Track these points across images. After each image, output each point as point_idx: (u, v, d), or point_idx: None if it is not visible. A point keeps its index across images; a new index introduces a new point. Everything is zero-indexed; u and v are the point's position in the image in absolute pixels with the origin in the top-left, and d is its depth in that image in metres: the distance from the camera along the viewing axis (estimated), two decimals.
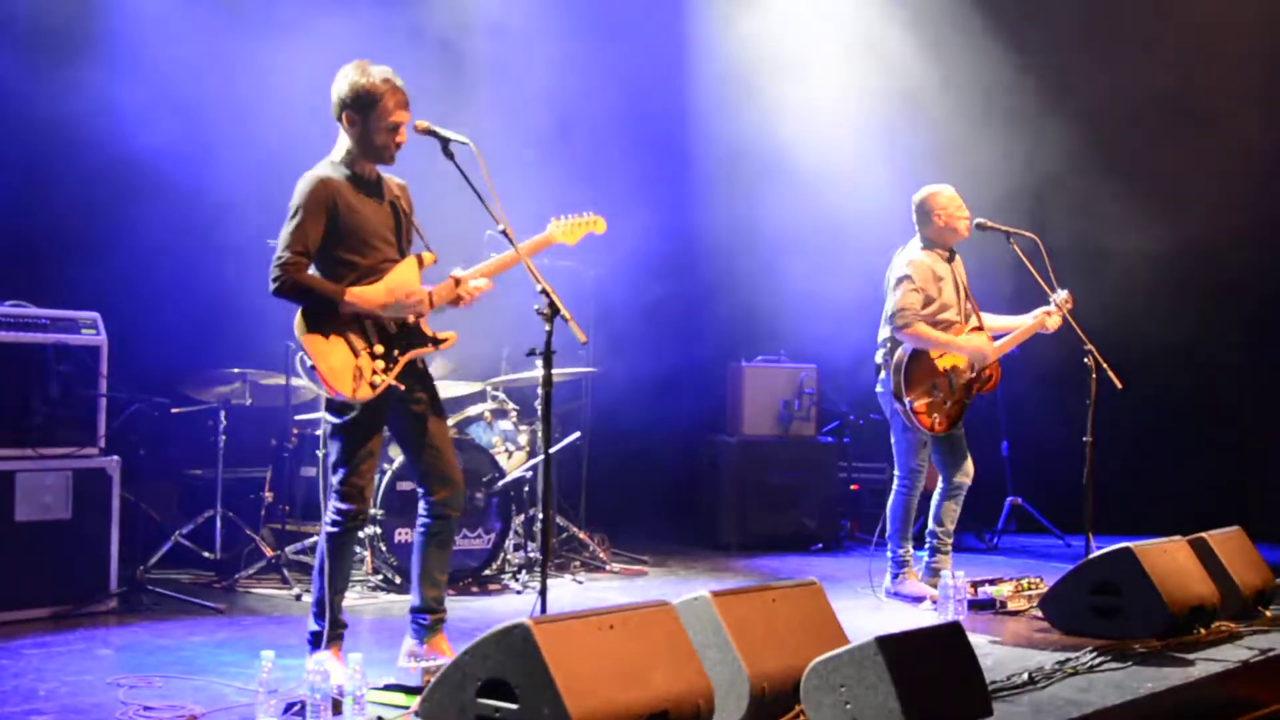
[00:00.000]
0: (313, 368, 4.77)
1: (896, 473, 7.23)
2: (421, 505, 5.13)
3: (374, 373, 4.86)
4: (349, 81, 4.91)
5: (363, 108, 4.90)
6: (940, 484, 7.30)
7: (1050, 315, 7.30)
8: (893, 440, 7.24)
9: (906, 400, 6.98)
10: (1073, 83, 10.08)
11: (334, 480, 4.92)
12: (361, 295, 4.87)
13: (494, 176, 4.78)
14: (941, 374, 7.06)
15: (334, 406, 4.89)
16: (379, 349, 4.91)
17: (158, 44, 7.64)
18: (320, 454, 7.25)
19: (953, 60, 9.73)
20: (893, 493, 7.23)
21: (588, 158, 8.85)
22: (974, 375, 7.13)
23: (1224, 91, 9.89)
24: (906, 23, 9.77)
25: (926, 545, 7.35)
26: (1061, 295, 7.26)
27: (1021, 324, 7.36)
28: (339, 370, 4.79)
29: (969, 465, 7.25)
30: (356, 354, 4.85)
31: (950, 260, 7.23)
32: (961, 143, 9.50)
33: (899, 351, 7.04)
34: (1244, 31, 9.85)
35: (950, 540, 7.28)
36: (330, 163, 4.99)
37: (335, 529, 4.93)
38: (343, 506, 4.91)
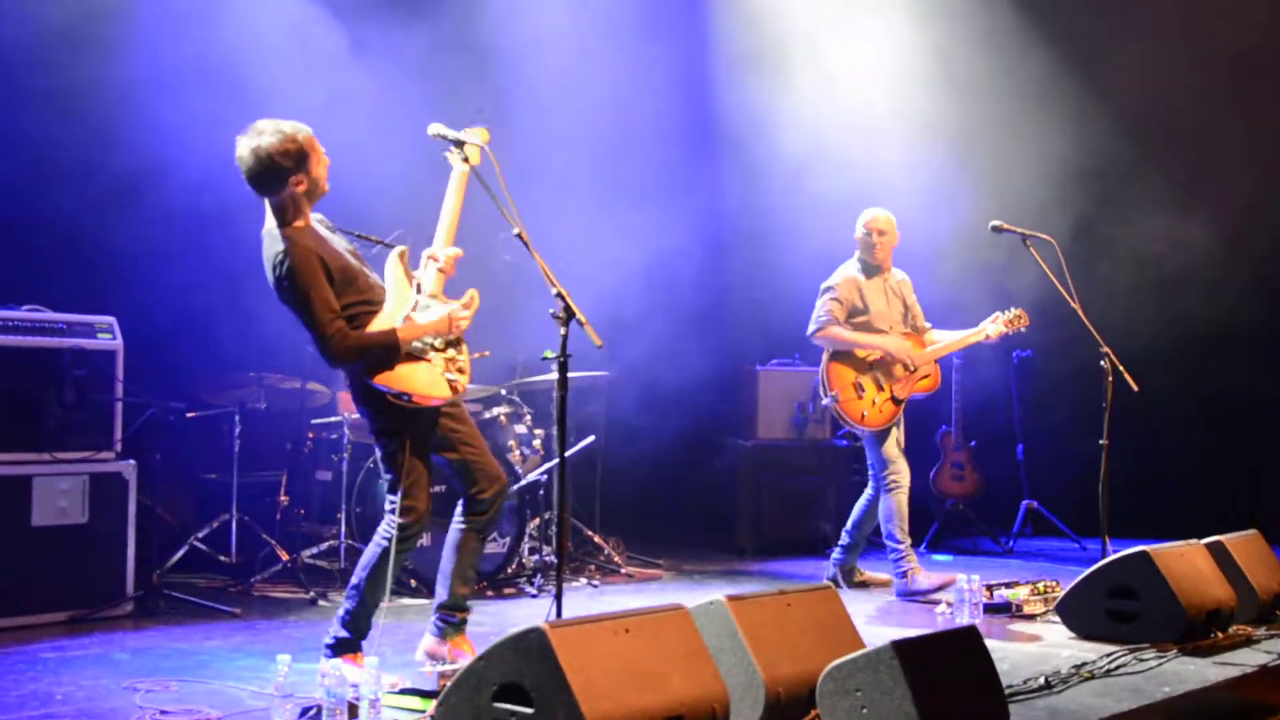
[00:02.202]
0: (408, 395, 4.81)
1: (872, 473, 7.44)
2: (463, 504, 5.17)
3: (453, 361, 4.95)
4: (282, 152, 4.77)
5: (304, 163, 4.82)
6: (870, 486, 7.49)
7: (994, 324, 7.49)
8: (863, 444, 7.50)
9: (832, 393, 7.30)
10: (1114, 70, 10.02)
11: (395, 498, 4.96)
12: (417, 329, 4.89)
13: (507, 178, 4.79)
14: (864, 372, 7.36)
15: (385, 431, 4.94)
16: (440, 343, 4.96)
17: (177, 46, 7.66)
18: (348, 457, 7.27)
19: (989, 56, 9.69)
20: (881, 494, 7.37)
21: (604, 162, 8.85)
22: (907, 373, 7.35)
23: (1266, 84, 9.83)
24: (946, 21, 9.76)
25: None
26: (1012, 312, 7.48)
27: (964, 333, 7.56)
28: (429, 384, 4.87)
29: (901, 467, 7.37)
30: (430, 360, 4.90)
31: (882, 276, 7.52)
32: (986, 141, 9.48)
33: (824, 354, 7.44)
34: None
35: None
36: (283, 228, 4.85)
37: (388, 543, 4.97)
38: (402, 522, 4.95)
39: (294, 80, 7.47)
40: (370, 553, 5.03)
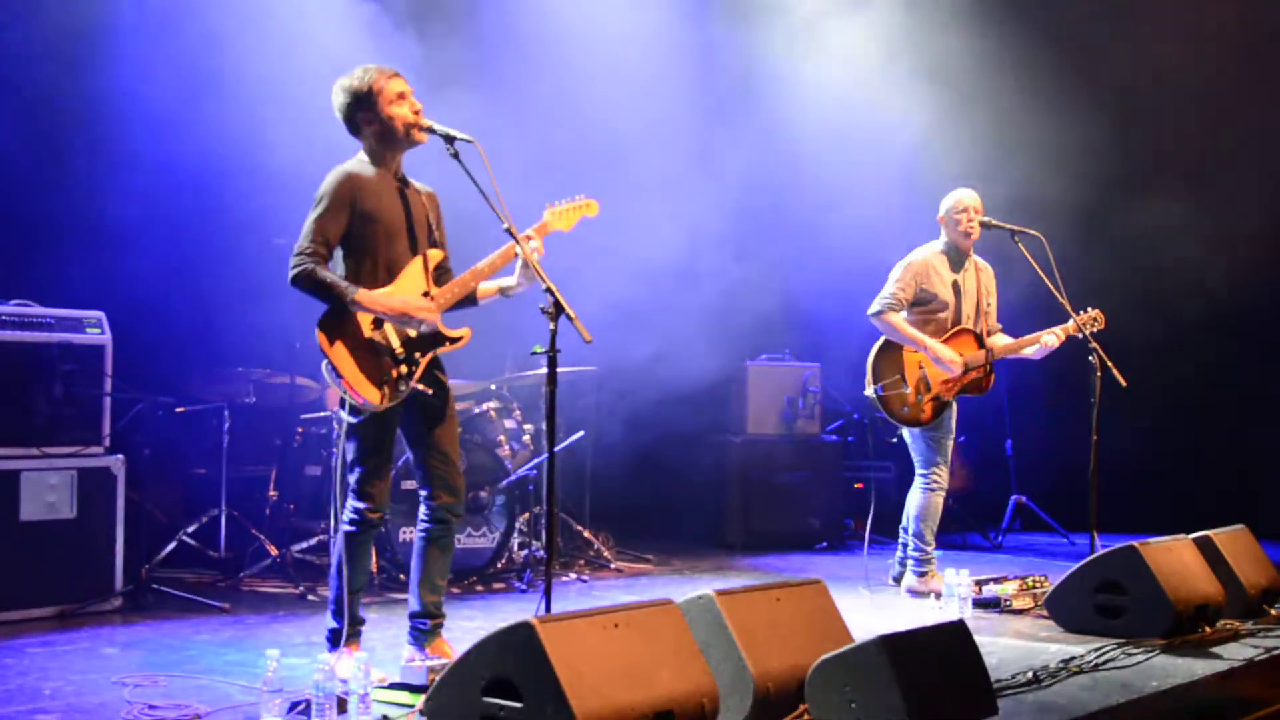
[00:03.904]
0: (339, 375, 4.80)
1: (918, 470, 7.26)
2: (423, 509, 5.14)
3: (397, 377, 4.90)
4: (346, 90, 4.99)
5: (369, 102, 4.95)
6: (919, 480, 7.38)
7: (1053, 333, 7.26)
8: (908, 438, 7.25)
9: (875, 387, 7.10)
10: (1107, 67, 10.02)
11: (350, 479, 4.95)
12: (372, 299, 4.87)
13: (501, 174, 4.79)
14: (913, 368, 7.12)
15: (350, 406, 4.90)
16: (400, 353, 4.93)
17: (170, 45, 7.63)
18: (339, 451, 7.26)
19: (985, 44, 9.69)
20: (921, 492, 7.23)
21: (595, 156, 8.83)
22: (957, 375, 7.13)
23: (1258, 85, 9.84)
24: (945, 9, 9.76)
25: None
26: (1090, 313, 7.23)
27: (1025, 339, 7.36)
28: (357, 378, 4.82)
29: (944, 469, 7.24)
30: (379, 360, 4.87)
31: (961, 264, 7.27)
32: (979, 132, 9.49)
33: (877, 341, 7.20)
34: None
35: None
36: (359, 159, 5.06)
37: (352, 528, 4.97)
38: (360, 505, 4.95)
39: (292, 82, 7.46)
40: (337, 539, 5.01)
